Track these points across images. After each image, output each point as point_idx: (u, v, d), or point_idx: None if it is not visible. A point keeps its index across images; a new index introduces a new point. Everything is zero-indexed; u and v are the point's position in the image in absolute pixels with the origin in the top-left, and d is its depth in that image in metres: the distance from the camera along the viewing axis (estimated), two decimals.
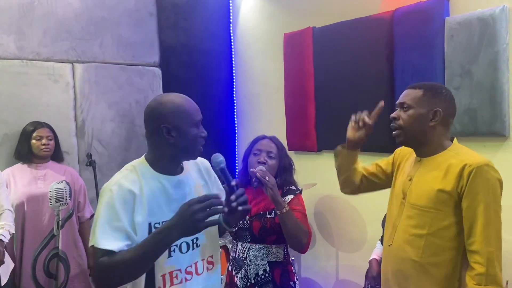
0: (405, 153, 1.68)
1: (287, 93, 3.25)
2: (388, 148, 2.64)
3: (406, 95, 1.53)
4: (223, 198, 1.49)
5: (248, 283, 1.85)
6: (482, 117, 2.17)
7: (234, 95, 3.82)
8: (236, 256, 1.90)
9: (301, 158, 3.25)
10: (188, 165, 1.45)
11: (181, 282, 1.36)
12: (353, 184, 1.76)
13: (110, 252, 1.23)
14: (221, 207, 1.24)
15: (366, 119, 1.61)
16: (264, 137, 1.97)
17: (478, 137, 2.21)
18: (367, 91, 2.70)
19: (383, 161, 1.78)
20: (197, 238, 1.41)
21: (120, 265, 1.21)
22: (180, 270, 1.37)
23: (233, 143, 3.82)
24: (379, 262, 2.47)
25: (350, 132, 1.67)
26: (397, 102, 1.55)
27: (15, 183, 2.48)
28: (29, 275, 2.49)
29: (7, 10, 2.67)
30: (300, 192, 1.95)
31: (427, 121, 1.48)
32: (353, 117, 1.66)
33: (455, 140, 1.64)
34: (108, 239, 1.24)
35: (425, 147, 1.52)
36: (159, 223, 1.31)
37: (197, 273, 1.41)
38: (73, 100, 2.95)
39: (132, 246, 1.25)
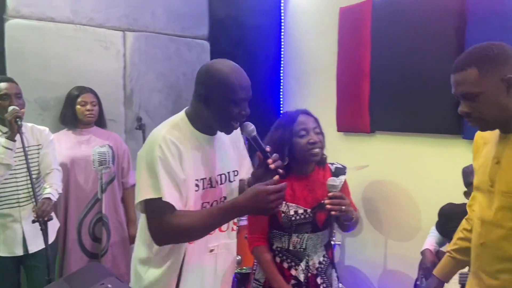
0: (481, 137, 1.41)
1: (340, 70, 3.09)
2: (452, 129, 2.45)
3: (462, 83, 1.23)
4: (247, 166, 1.60)
5: (309, 274, 1.72)
6: None
7: (282, 73, 3.69)
8: (291, 249, 1.74)
9: (352, 140, 3.09)
10: None
11: None
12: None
13: (171, 208, 1.27)
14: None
15: None
16: (297, 113, 1.76)
17: None
18: (432, 68, 2.49)
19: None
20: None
21: (190, 229, 1.28)
22: None
23: None
24: (433, 253, 2.32)
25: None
26: (455, 94, 1.27)
27: (60, 147, 2.48)
28: (74, 239, 2.49)
29: None
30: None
31: (503, 94, 1.19)
32: None
33: None
34: (172, 194, 1.27)
35: (510, 120, 1.24)
36: (198, 180, 1.37)
37: (220, 230, 1.47)
38: (123, 69, 2.93)
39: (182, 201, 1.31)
